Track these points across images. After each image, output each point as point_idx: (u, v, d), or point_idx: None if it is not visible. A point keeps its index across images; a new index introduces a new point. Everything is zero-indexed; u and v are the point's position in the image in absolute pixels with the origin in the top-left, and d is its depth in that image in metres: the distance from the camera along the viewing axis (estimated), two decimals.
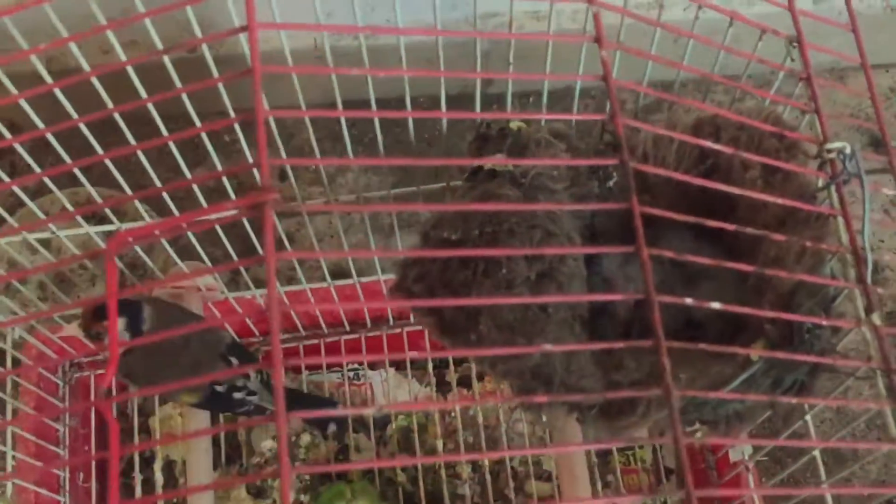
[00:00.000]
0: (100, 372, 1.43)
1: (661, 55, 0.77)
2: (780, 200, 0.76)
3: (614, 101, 0.68)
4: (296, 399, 1.30)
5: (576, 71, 0.94)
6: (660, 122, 0.94)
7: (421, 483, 1.37)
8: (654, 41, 0.93)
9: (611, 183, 0.94)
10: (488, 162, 0.92)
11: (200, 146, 1.08)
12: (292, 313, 1.36)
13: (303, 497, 1.39)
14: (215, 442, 1.43)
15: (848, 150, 0.80)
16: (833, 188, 0.82)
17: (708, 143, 0.70)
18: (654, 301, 0.62)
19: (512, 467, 1.44)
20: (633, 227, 0.91)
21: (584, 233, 0.96)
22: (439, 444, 1.42)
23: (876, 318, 0.78)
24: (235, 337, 1.29)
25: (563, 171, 0.91)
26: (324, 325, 1.44)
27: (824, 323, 0.77)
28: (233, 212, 0.58)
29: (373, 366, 1.49)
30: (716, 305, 0.66)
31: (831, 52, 0.85)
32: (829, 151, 0.82)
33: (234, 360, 1.15)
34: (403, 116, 1.00)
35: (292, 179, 1.05)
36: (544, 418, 0.88)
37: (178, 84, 0.86)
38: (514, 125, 0.93)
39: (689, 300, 0.65)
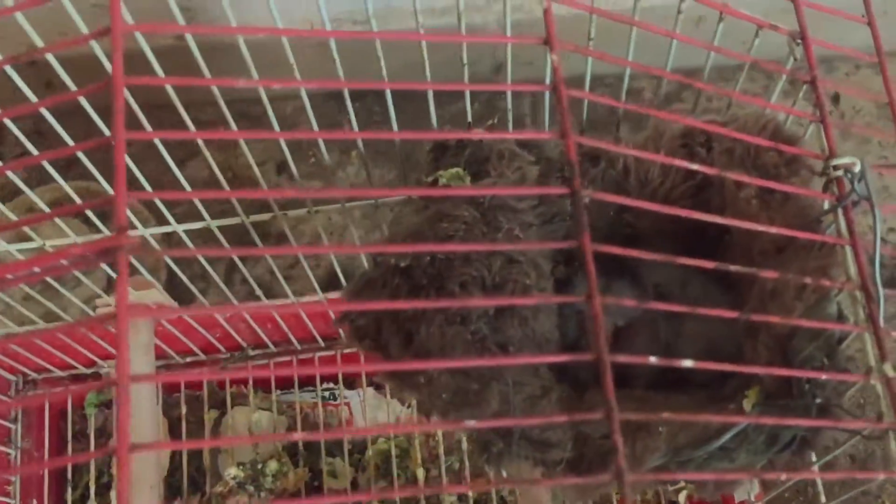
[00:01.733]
0: (57, 390, 1.34)
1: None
2: (772, 230, 0.64)
3: (565, 116, 0.57)
4: None
5: None
6: (645, 130, 0.82)
7: None
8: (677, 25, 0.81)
9: (586, 200, 0.82)
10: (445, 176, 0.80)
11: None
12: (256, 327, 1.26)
13: None
14: (178, 467, 1.33)
15: (857, 168, 0.68)
16: (841, 211, 0.70)
17: (684, 163, 0.58)
18: (605, 361, 0.52)
19: (501, 496, 1.33)
20: (622, 246, 0.80)
21: (557, 257, 0.85)
22: (420, 472, 1.31)
23: (889, 369, 0.67)
24: None
25: (531, 185, 0.80)
26: (294, 340, 1.33)
27: (824, 377, 0.65)
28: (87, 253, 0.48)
29: (350, 385, 1.39)
30: (687, 363, 0.55)
31: (839, 48, 0.73)
32: (836, 168, 0.70)
33: None
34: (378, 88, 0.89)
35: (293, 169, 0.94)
36: (504, 473, 0.76)
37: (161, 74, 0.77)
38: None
39: (652, 359, 0.54)
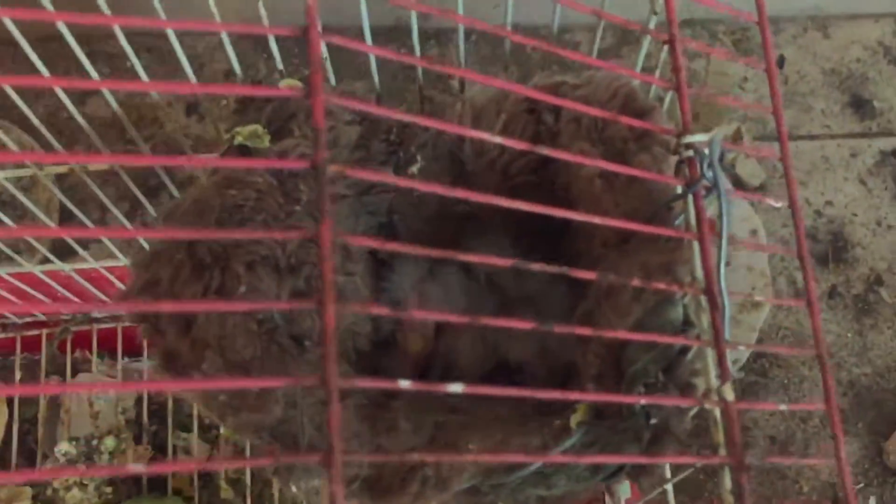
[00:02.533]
0: None
1: None
2: (596, 219, 0.53)
3: (315, 67, 0.44)
4: None
5: None
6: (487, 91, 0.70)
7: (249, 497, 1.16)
8: None
9: (414, 169, 0.70)
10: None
11: None
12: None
13: None
14: (6, 442, 1.21)
15: (707, 150, 0.56)
16: (692, 199, 0.59)
17: (512, 142, 0.47)
18: (331, 388, 0.41)
19: None
20: (447, 229, 0.68)
21: (377, 234, 0.73)
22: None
23: (728, 392, 0.56)
24: None
25: (343, 152, 0.67)
26: None
27: (642, 401, 0.54)
28: None
29: None
30: (455, 389, 0.44)
31: (715, 3, 0.62)
32: (687, 147, 0.58)
33: None
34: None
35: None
36: (294, 488, 0.65)
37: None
38: (284, 82, 0.69)
39: (405, 383, 0.42)
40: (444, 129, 0.70)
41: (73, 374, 1.29)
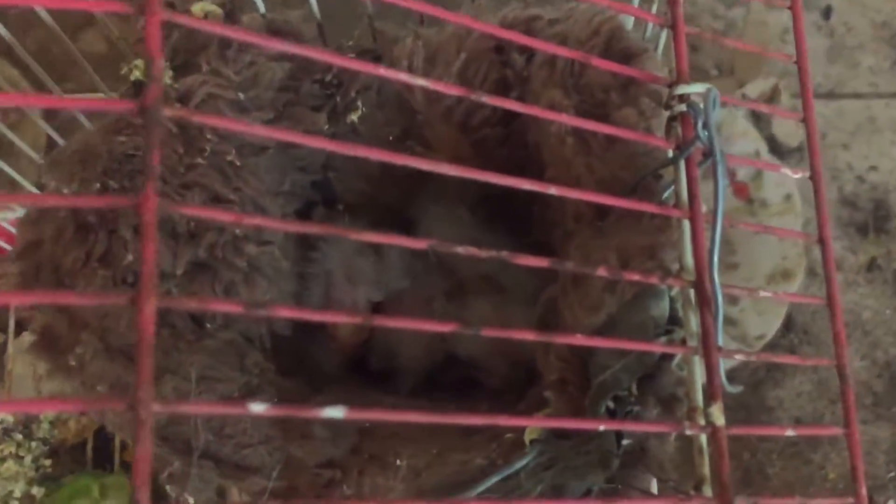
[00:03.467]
0: None
1: None
2: (567, 192, 0.42)
3: None
4: None
5: None
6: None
7: None
8: None
9: (354, 117, 0.57)
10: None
11: None
12: None
13: (35, 490, 1.07)
14: None
15: (702, 105, 0.44)
16: (683, 165, 0.47)
17: (462, 91, 0.35)
18: (145, 422, 0.29)
19: None
20: (393, 190, 0.56)
21: (310, 195, 0.60)
22: None
23: (717, 414, 0.44)
24: None
25: (265, 94, 0.55)
26: None
27: (602, 427, 0.42)
28: None
29: None
30: (334, 414, 0.33)
31: None
32: (681, 100, 0.46)
33: None
34: None
35: None
36: (192, 501, 0.54)
37: None
38: (198, 7, 0.57)
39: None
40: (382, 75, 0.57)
41: (17, 333, 1.18)
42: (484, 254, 0.40)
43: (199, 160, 0.54)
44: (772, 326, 1.10)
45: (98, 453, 1.11)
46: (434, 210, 0.62)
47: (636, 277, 0.44)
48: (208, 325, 0.55)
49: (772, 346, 1.23)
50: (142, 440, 0.31)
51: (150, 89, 0.33)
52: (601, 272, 0.43)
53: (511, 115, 0.59)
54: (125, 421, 0.57)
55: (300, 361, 0.60)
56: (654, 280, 0.45)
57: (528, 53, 0.58)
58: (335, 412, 0.35)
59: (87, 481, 1.08)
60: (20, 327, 1.18)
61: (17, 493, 1.10)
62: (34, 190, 0.90)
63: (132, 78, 0.57)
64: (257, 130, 0.36)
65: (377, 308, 0.62)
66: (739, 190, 1.12)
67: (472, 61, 0.58)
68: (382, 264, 0.61)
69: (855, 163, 1.28)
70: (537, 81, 0.56)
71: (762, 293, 0.49)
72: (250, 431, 0.54)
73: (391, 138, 0.60)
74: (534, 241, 0.61)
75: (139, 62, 0.57)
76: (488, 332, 0.39)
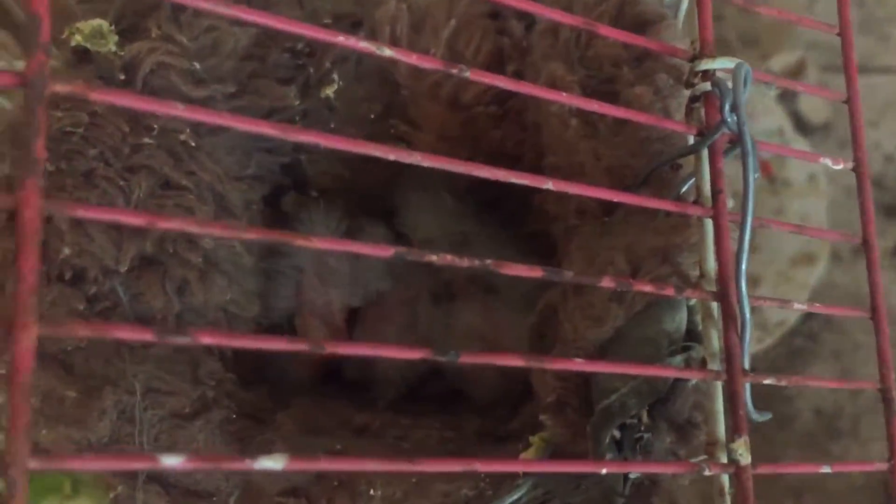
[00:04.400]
0: None
1: None
2: (566, 187, 0.36)
3: None
4: None
5: None
6: None
7: None
8: None
9: (330, 91, 0.50)
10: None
11: None
12: None
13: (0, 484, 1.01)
14: None
15: (730, 83, 0.37)
16: (705, 154, 0.40)
17: (432, 62, 0.28)
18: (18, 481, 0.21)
19: None
20: (373, 175, 0.49)
21: (278, 179, 0.54)
22: None
23: (742, 450, 0.37)
24: None
25: (226, 63, 0.48)
26: None
27: (604, 471, 0.36)
28: None
29: None
30: (270, 465, 0.25)
31: None
32: (704, 77, 0.39)
33: None
34: None
35: None
36: None
37: None
38: None
39: None
40: (358, 49, 0.50)
41: None
42: (465, 263, 0.33)
43: (147, 139, 0.48)
44: (792, 313, 1.04)
45: None
46: (416, 199, 0.55)
47: (648, 289, 0.37)
48: (158, 332, 0.48)
49: (792, 334, 1.16)
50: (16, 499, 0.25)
51: (34, 58, 0.27)
52: (606, 283, 0.36)
53: (507, 92, 0.52)
54: None
55: (263, 369, 0.53)
56: (668, 292, 0.38)
57: (529, 20, 0.51)
58: (272, 463, 0.28)
59: (57, 477, 1.02)
60: None
61: None
62: None
63: (72, 44, 0.50)
64: (190, 114, 0.29)
65: (357, 313, 0.55)
66: (762, 167, 1.04)
67: (464, 28, 0.51)
68: (360, 263, 0.54)
69: (884, 141, 1.21)
70: (538, 53, 0.49)
71: (796, 305, 0.42)
72: (203, 451, 0.48)
73: (372, 116, 0.53)
74: (531, 231, 0.54)
75: (82, 25, 0.50)
76: (467, 359, 0.33)
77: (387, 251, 0.32)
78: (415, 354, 0.32)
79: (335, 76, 0.53)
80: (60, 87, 0.27)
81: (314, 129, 0.51)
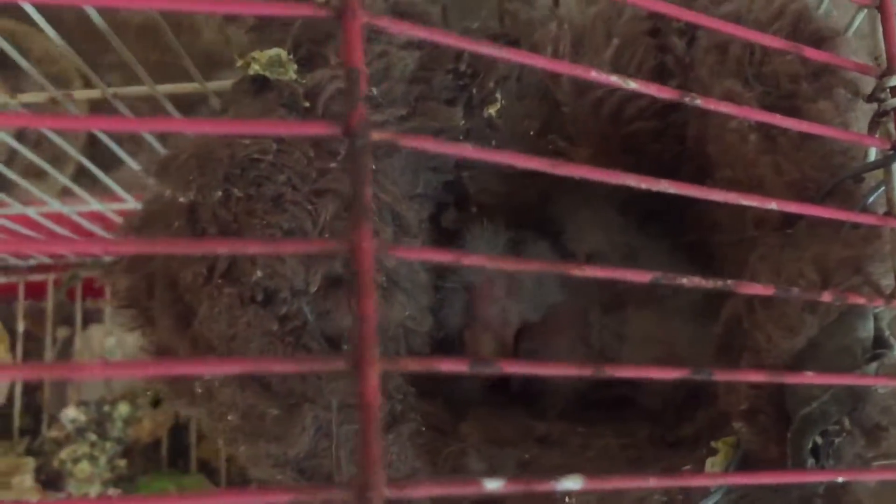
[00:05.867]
0: None
1: None
2: (753, 202, 0.37)
3: None
4: None
5: None
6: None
7: None
8: None
9: (493, 110, 0.52)
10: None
11: None
12: None
13: (112, 490, 1.04)
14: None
15: None
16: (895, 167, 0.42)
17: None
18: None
19: None
20: (533, 190, 0.51)
21: (444, 197, 0.56)
22: None
23: None
24: None
25: (397, 87, 0.50)
26: None
27: (816, 478, 0.38)
28: None
29: None
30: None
31: None
32: (893, 91, 0.40)
33: None
34: None
35: None
36: None
37: None
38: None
39: None
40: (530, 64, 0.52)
41: (84, 325, 1.14)
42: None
43: (332, 164, 0.50)
44: None
45: (173, 452, 1.08)
46: (583, 215, 0.57)
47: (858, 300, 0.39)
48: (345, 347, 0.50)
49: None
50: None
51: (356, 109, 0.29)
52: (809, 295, 0.38)
53: (669, 107, 0.54)
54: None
55: (433, 382, 0.55)
56: (860, 300, 0.40)
57: (689, 36, 0.52)
58: (572, 484, 0.30)
59: (163, 482, 1.05)
60: (87, 320, 1.15)
61: (93, 495, 1.07)
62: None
63: (250, 72, 0.52)
64: (468, 153, 0.31)
65: (528, 329, 0.57)
66: None
67: (626, 46, 0.53)
68: (540, 277, 0.56)
69: None
70: (704, 69, 0.51)
71: None
72: (396, 463, 0.50)
73: (532, 133, 0.55)
74: (689, 241, 0.56)
75: (258, 54, 0.52)
76: (722, 377, 0.35)
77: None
78: (674, 374, 0.34)
79: (498, 95, 0.55)
80: (378, 136, 0.29)
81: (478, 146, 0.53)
